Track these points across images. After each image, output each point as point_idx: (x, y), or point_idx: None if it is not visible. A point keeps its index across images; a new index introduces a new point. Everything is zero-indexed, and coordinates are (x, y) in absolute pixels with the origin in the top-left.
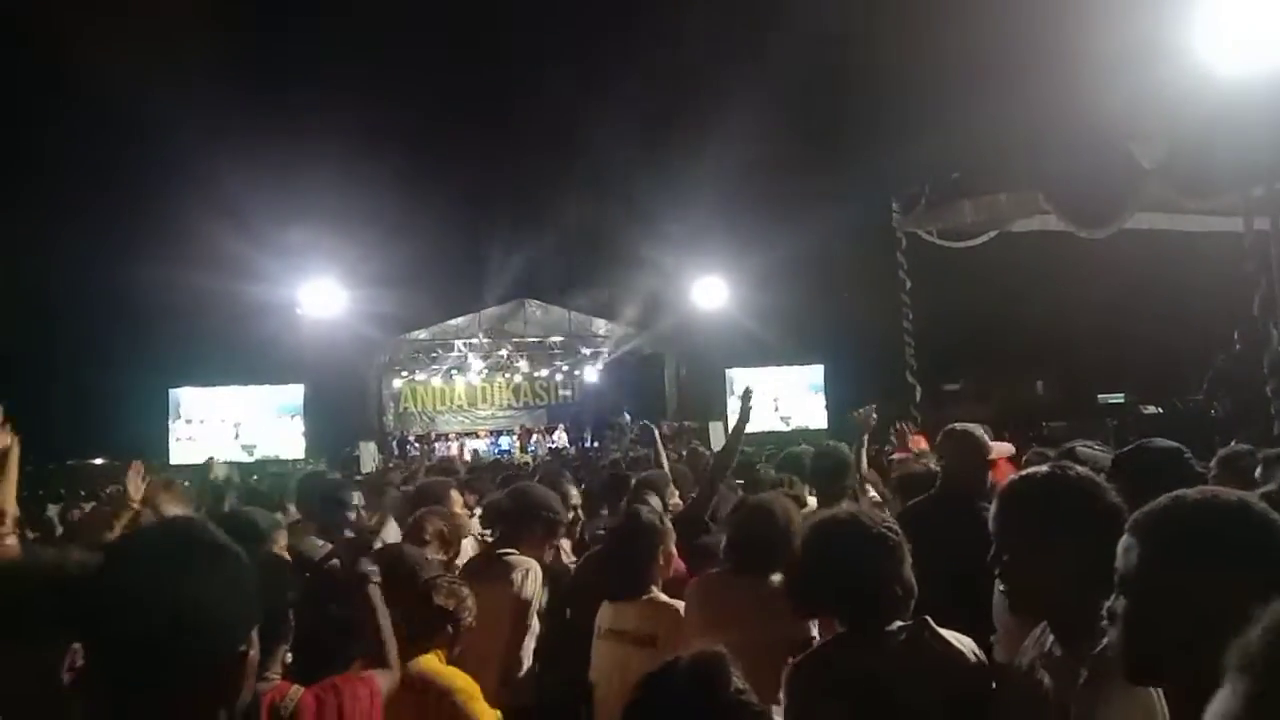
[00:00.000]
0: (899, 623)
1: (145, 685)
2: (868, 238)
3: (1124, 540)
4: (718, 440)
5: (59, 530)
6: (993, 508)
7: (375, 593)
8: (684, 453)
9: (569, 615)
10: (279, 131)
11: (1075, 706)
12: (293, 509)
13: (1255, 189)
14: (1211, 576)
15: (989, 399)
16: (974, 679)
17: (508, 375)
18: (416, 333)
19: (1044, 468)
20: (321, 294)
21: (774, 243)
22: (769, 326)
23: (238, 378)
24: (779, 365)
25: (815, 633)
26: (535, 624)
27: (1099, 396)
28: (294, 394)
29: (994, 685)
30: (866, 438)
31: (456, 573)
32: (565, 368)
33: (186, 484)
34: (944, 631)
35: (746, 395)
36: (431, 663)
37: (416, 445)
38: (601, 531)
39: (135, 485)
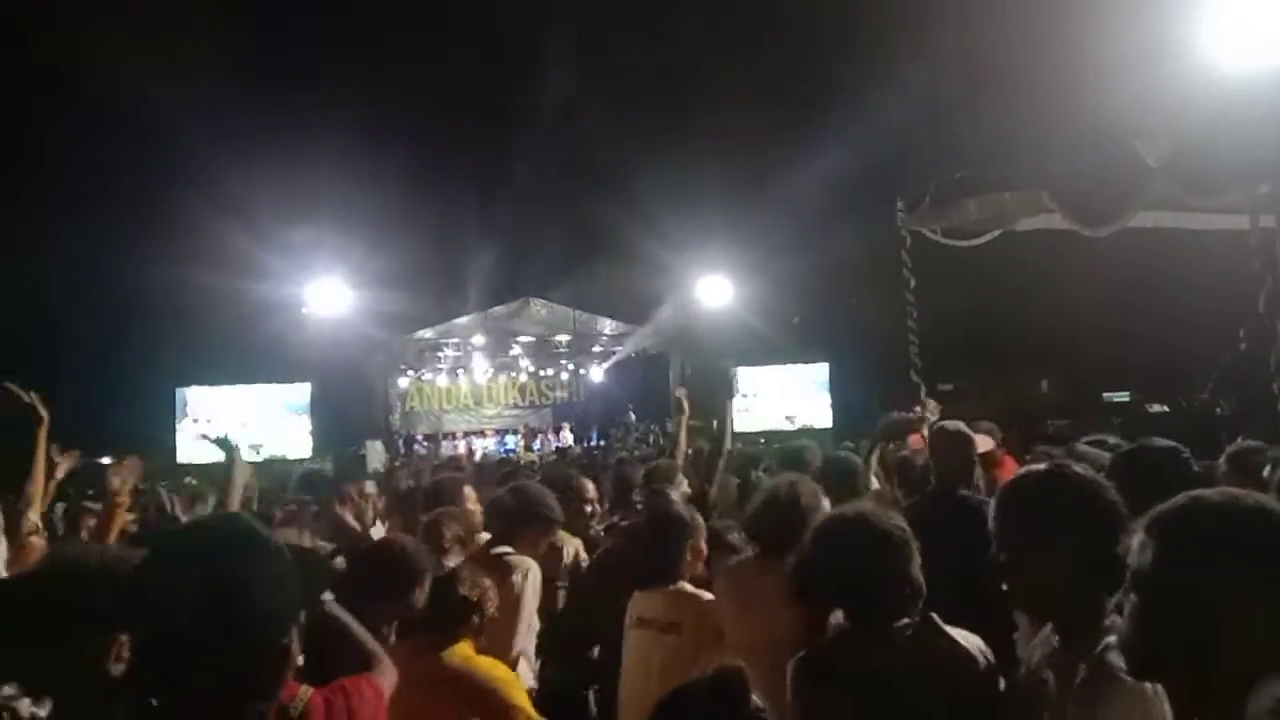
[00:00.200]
0: (905, 620)
1: (191, 677)
2: (872, 236)
3: (1139, 537)
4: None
5: (61, 530)
6: (992, 506)
7: (335, 609)
8: (691, 451)
9: (574, 607)
10: (285, 130)
11: (1074, 704)
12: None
13: (1261, 186)
14: (1224, 578)
15: (993, 397)
16: (980, 677)
17: (513, 374)
18: (422, 332)
19: (1043, 466)
20: (328, 293)
21: (778, 242)
22: (774, 325)
23: (244, 377)
24: (784, 364)
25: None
26: (535, 622)
27: (1104, 395)
28: (301, 393)
29: (1003, 683)
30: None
31: None
32: (570, 367)
33: (193, 481)
34: (951, 629)
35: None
36: (467, 653)
37: (425, 444)
38: (618, 521)
39: (119, 480)
